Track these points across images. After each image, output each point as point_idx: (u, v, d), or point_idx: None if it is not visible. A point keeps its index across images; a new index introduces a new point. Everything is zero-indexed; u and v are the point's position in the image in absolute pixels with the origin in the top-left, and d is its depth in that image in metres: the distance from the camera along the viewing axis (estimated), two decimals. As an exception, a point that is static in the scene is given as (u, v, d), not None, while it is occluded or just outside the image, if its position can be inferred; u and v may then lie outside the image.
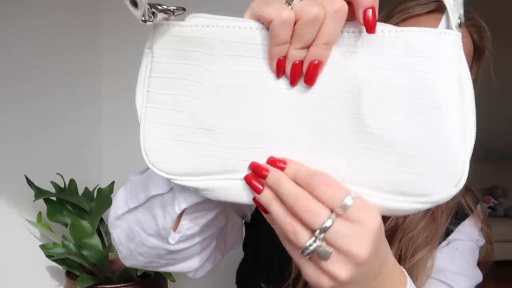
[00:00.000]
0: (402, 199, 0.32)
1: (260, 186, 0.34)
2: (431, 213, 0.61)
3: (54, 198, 1.09)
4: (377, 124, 0.32)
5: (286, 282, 0.61)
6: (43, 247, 1.05)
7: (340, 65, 0.32)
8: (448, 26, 0.32)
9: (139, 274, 1.08)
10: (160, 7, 0.32)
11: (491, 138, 3.86)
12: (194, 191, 0.36)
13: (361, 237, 0.32)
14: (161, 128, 0.35)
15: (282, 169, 0.33)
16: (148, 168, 0.44)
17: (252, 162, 0.34)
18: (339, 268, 0.32)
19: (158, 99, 0.35)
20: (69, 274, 1.07)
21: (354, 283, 0.34)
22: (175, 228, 0.43)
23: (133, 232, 0.46)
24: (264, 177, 0.33)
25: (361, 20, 0.31)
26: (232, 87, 0.33)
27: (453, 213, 0.63)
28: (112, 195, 1.16)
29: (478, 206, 0.68)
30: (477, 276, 0.64)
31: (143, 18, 0.32)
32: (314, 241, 0.32)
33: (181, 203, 0.41)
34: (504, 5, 3.46)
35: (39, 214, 1.08)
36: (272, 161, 0.34)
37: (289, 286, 0.61)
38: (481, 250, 0.67)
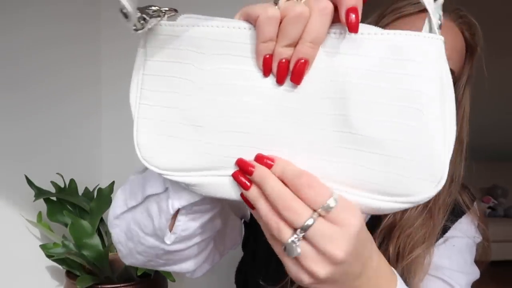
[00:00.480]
0: (383, 199, 0.33)
1: (247, 183, 0.34)
2: (428, 210, 0.61)
3: (54, 198, 1.09)
4: (363, 125, 0.32)
5: (284, 279, 0.61)
6: (43, 247, 1.05)
7: (327, 65, 0.33)
8: (431, 30, 0.33)
9: (139, 274, 1.08)
10: (151, 10, 0.33)
11: (491, 139, 3.86)
12: (186, 187, 0.37)
13: (340, 239, 0.33)
14: (153, 124, 0.36)
15: (269, 166, 0.34)
16: (146, 168, 0.44)
17: (238, 159, 0.34)
18: (317, 266, 0.33)
19: (150, 96, 0.36)
20: (69, 274, 1.07)
21: (333, 281, 0.35)
22: (171, 228, 0.44)
23: (132, 232, 0.47)
24: (250, 173, 0.34)
25: (344, 20, 0.31)
26: (221, 84, 0.34)
27: (449, 210, 0.64)
28: (112, 195, 1.16)
29: (475, 203, 0.69)
30: (475, 272, 0.65)
31: (134, 28, 0.33)
32: (296, 239, 0.33)
33: (175, 203, 0.41)
34: (496, 5, 3.45)
35: (39, 214, 1.08)
36: (260, 158, 0.34)
37: (287, 283, 0.61)
38: (477, 247, 0.67)
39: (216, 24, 0.34)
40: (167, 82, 0.35)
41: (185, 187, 0.38)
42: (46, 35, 1.12)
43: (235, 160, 0.35)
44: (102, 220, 1.14)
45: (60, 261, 1.06)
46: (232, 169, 0.35)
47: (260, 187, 0.34)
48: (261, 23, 0.32)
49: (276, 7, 0.32)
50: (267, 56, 0.33)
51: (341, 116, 0.32)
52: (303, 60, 0.32)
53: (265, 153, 0.34)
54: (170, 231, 0.44)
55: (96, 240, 1.07)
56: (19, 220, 1.05)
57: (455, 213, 0.65)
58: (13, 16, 1.02)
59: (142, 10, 0.33)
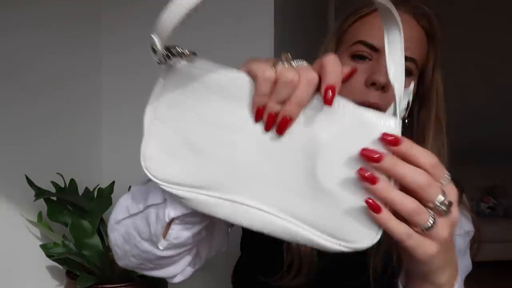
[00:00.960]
0: (330, 240, 0.39)
1: (375, 177, 0.37)
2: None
3: (54, 198, 1.09)
4: (324, 178, 0.39)
5: (280, 272, 0.66)
6: (43, 246, 1.05)
7: (306, 124, 0.40)
8: (395, 112, 0.40)
9: (139, 274, 1.08)
10: (175, 50, 0.40)
11: (492, 139, 3.86)
12: (178, 199, 0.43)
13: (456, 204, 0.40)
14: (159, 141, 0.42)
15: (395, 144, 0.38)
16: (147, 181, 0.50)
17: (362, 149, 0.38)
18: (444, 230, 0.39)
19: (162, 118, 0.42)
20: (69, 274, 1.07)
21: (449, 246, 0.41)
22: (165, 235, 0.48)
23: (129, 236, 0.51)
24: (379, 160, 0.37)
25: (323, 94, 0.38)
26: (219, 121, 0.41)
27: None
28: (112, 195, 1.16)
29: (464, 195, 0.71)
30: (469, 266, 0.68)
31: (158, 62, 0.41)
32: (433, 215, 0.38)
33: (170, 213, 0.46)
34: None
35: (40, 214, 1.09)
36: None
37: (284, 273, 0.66)
38: (471, 240, 0.70)
39: (225, 73, 0.41)
40: (178, 110, 0.42)
41: (179, 202, 0.44)
42: (45, 33, 1.12)
43: (221, 185, 0.41)
44: (102, 220, 1.14)
45: (60, 261, 1.06)
46: (219, 191, 0.41)
47: (392, 173, 0.37)
48: (259, 81, 0.38)
49: (273, 68, 0.39)
50: (260, 107, 0.39)
51: (309, 166, 0.39)
52: (288, 117, 0.39)
53: (243, 184, 0.41)
54: (164, 238, 0.48)
55: (96, 240, 1.07)
56: (19, 220, 1.06)
57: None
58: (14, 17, 1.02)
59: (168, 48, 0.40)
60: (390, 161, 0.37)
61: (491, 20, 3.63)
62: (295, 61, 0.40)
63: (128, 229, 0.51)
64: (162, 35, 0.37)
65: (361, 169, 0.38)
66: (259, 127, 0.40)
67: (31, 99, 1.08)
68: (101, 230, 1.15)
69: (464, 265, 0.67)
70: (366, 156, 0.38)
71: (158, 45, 0.38)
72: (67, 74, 1.21)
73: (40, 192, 1.04)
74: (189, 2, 0.35)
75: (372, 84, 0.61)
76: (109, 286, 1.04)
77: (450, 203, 0.39)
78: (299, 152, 0.39)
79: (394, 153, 0.38)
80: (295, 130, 0.40)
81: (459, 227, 0.67)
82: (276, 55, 1.30)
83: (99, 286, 1.03)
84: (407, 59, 0.62)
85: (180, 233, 0.48)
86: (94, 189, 1.19)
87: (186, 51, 0.41)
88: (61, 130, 1.19)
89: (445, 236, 0.39)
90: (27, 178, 1.03)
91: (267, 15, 1.26)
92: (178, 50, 0.40)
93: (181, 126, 0.42)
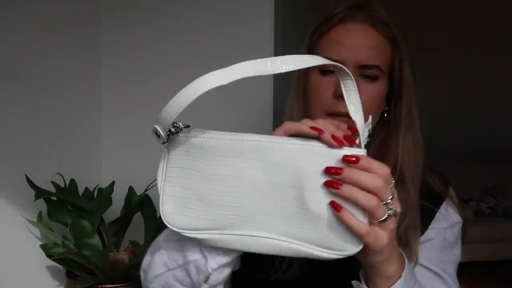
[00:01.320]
0: (324, 251, 0.49)
1: (338, 186, 0.47)
2: (400, 181, 0.68)
3: (54, 198, 1.09)
4: (311, 204, 0.48)
5: (274, 267, 0.73)
6: (43, 247, 1.05)
7: (291, 165, 0.49)
8: (360, 145, 0.49)
9: (139, 273, 1.08)
10: (174, 128, 0.50)
11: (492, 139, 3.86)
12: (198, 241, 0.54)
13: (397, 201, 0.50)
14: (173, 198, 0.53)
15: (356, 162, 0.47)
16: (177, 239, 0.59)
17: (326, 167, 0.47)
18: (392, 222, 0.48)
19: (171, 180, 0.53)
20: (69, 274, 1.07)
21: (394, 241, 0.51)
22: (205, 281, 0.57)
23: (170, 286, 0.60)
24: (340, 173, 0.47)
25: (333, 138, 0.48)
26: (219, 175, 0.51)
27: (419, 184, 0.69)
28: (112, 195, 1.16)
29: (450, 188, 0.75)
30: (459, 256, 0.71)
31: (162, 142, 0.51)
32: (388, 209, 0.47)
33: (213, 265, 0.56)
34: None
35: (40, 214, 1.09)
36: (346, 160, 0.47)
37: (278, 267, 0.73)
38: (461, 230, 0.73)
39: (215, 136, 0.51)
40: (183, 171, 0.52)
41: (218, 254, 0.56)
42: (46, 36, 1.12)
43: (229, 224, 0.51)
44: (102, 220, 1.14)
45: (60, 261, 1.06)
46: (229, 229, 0.51)
47: (352, 182, 0.46)
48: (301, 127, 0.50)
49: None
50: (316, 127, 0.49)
51: (299, 197, 0.49)
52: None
53: (248, 220, 0.50)
54: (205, 282, 0.58)
55: (96, 240, 1.07)
56: (19, 220, 1.06)
57: (435, 199, 0.71)
58: (14, 16, 1.02)
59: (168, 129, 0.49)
60: (348, 171, 0.46)
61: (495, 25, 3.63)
62: None
63: (168, 281, 0.60)
64: (165, 125, 0.48)
65: (326, 181, 0.47)
66: (253, 172, 0.50)
67: (31, 100, 1.08)
68: (101, 230, 1.15)
69: (455, 255, 0.71)
70: (330, 171, 0.47)
71: (162, 132, 0.49)
72: (67, 75, 1.21)
73: (40, 192, 1.04)
74: (186, 101, 0.45)
75: (339, 96, 0.65)
76: (109, 286, 1.04)
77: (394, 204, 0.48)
78: (287, 187, 0.49)
79: (358, 169, 0.47)
80: (283, 171, 0.49)
81: (446, 220, 0.71)
82: (276, 51, 1.30)
83: (99, 286, 1.03)
84: (370, 67, 0.68)
85: (219, 275, 0.58)
86: (94, 189, 1.19)
87: (181, 125, 0.50)
88: (61, 130, 1.19)
89: (392, 227, 0.49)
90: (27, 178, 1.03)
91: (267, 16, 1.26)
92: (176, 126, 0.50)
93: (188, 184, 0.52)
